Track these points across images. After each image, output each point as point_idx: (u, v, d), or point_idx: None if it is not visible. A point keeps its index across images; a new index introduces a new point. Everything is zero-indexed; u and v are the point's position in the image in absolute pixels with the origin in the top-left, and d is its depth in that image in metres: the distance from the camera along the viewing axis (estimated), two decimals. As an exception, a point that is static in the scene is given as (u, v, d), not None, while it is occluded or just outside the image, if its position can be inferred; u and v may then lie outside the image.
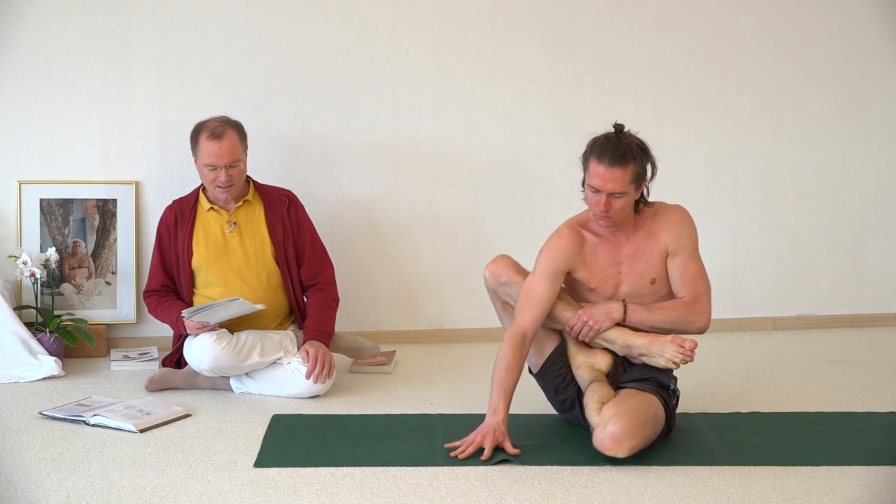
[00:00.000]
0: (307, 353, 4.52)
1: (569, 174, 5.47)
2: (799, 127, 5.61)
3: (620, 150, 3.82)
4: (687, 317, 3.96)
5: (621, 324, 3.95)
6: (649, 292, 4.01)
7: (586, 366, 4.01)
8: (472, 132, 5.41)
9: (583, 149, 3.94)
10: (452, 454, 3.82)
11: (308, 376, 4.49)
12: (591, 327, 3.94)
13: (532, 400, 4.42)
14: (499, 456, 3.80)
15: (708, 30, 5.49)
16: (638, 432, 3.76)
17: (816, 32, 5.56)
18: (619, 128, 3.90)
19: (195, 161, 4.67)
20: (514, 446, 3.82)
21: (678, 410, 4.15)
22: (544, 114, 5.44)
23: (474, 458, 3.80)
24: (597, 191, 3.86)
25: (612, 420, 3.75)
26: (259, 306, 4.55)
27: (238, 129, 4.66)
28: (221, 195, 4.66)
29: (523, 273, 4.04)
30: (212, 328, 4.51)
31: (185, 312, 4.47)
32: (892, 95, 5.64)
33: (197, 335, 4.52)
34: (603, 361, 4.02)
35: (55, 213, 5.16)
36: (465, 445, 3.83)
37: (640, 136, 3.92)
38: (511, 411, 4.12)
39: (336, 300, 4.80)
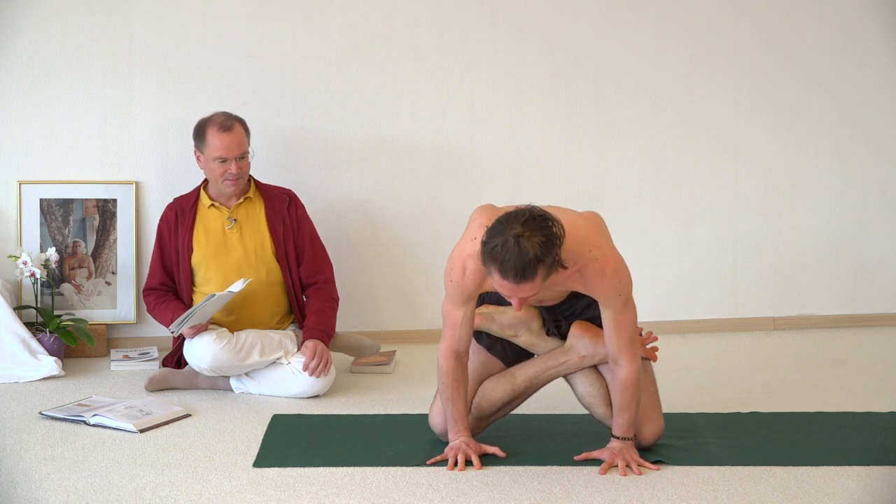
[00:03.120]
0: (307, 347, 4.53)
1: (569, 174, 5.50)
2: (799, 127, 5.61)
3: (523, 264, 3.35)
4: (637, 384, 3.78)
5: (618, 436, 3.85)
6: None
7: (524, 334, 3.99)
8: (472, 132, 5.41)
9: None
10: (449, 468, 3.78)
11: (305, 368, 4.50)
12: (630, 463, 3.80)
13: (532, 400, 4.41)
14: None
15: (708, 30, 5.49)
16: (658, 408, 3.89)
17: (817, 32, 5.55)
18: (518, 234, 3.36)
19: (199, 157, 4.69)
20: (503, 449, 3.84)
21: (680, 409, 4.16)
22: (544, 114, 5.44)
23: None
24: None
25: (646, 421, 3.86)
26: (238, 285, 4.50)
27: (242, 122, 4.71)
28: (230, 188, 4.67)
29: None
30: (204, 327, 4.52)
31: (171, 327, 4.48)
32: (892, 96, 5.64)
33: (192, 337, 4.53)
34: (535, 322, 3.98)
35: (55, 213, 5.16)
36: (453, 462, 3.78)
37: (538, 217, 3.41)
38: (511, 411, 4.12)
39: (335, 299, 4.80)
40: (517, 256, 3.36)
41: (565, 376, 4.00)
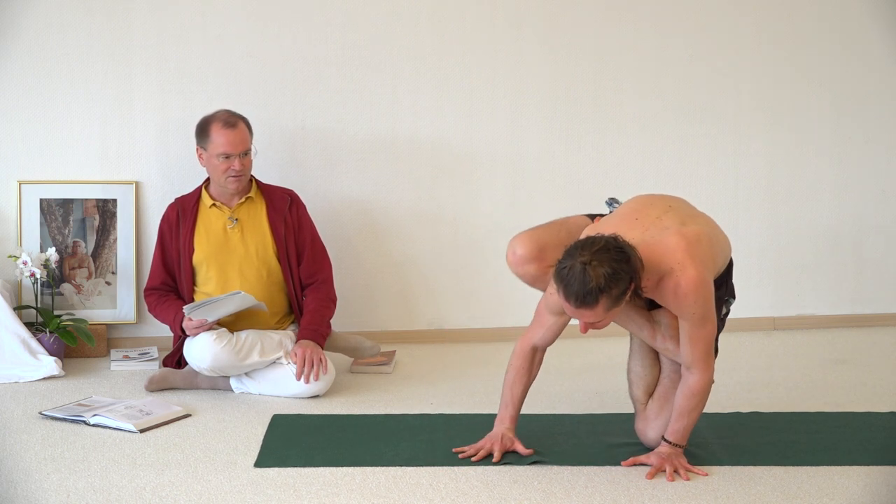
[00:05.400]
0: (296, 354, 4.53)
1: (569, 175, 5.50)
2: (799, 127, 5.61)
3: (584, 291, 3.42)
4: (704, 394, 3.77)
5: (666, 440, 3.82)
6: None
7: None
8: (472, 132, 5.41)
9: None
10: (462, 456, 3.82)
11: (298, 377, 4.50)
12: (678, 468, 3.75)
13: (532, 400, 4.42)
14: (524, 459, 3.81)
15: (708, 30, 5.49)
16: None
17: (816, 32, 5.56)
18: (586, 261, 3.42)
19: (201, 155, 4.69)
20: (526, 447, 3.85)
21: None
22: (544, 114, 5.44)
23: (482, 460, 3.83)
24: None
25: (658, 424, 3.87)
26: (261, 304, 4.56)
27: (246, 120, 4.72)
28: (233, 185, 4.67)
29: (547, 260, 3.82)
30: (210, 326, 4.52)
31: (186, 308, 4.48)
32: (892, 95, 5.64)
33: (195, 335, 4.53)
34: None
35: (55, 213, 5.16)
36: (475, 450, 3.84)
37: (613, 249, 3.46)
38: (521, 408, 4.12)
39: (332, 299, 4.79)
40: (580, 283, 3.42)
41: (630, 343, 4.01)
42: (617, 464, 3.78)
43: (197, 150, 4.72)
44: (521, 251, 3.86)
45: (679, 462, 3.74)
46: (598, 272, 3.41)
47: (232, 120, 4.65)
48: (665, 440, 3.79)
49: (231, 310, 4.52)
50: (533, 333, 3.87)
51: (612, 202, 4.06)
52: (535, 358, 3.89)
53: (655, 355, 3.97)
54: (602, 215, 3.96)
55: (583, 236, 3.64)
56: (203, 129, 4.67)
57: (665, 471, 3.71)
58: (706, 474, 3.72)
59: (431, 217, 5.43)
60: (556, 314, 3.79)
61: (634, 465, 3.78)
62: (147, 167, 5.23)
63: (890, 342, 5.44)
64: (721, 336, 5.51)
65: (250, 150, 4.69)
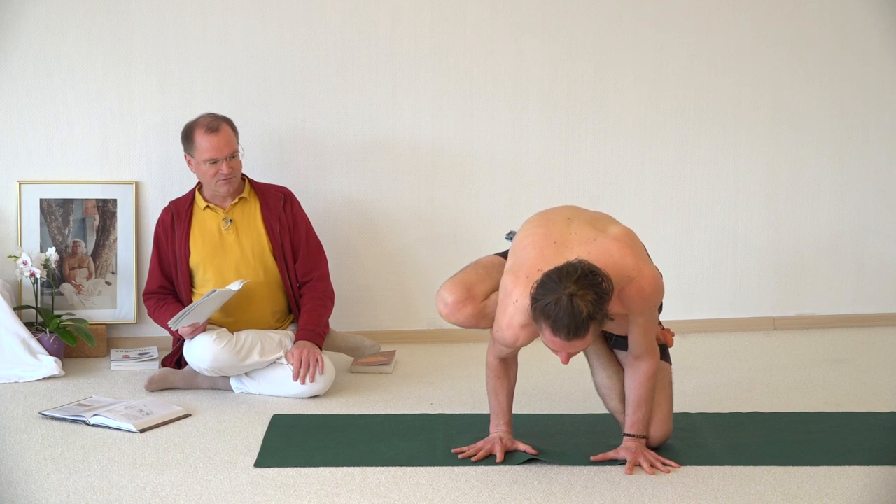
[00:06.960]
0: (293, 355, 4.53)
1: (569, 174, 5.50)
2: (799, 127, 5.61)
3: (576, 323, 3.36)
4: (653, 378, 3.80)
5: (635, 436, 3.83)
6: None
7: None
8: (472, 132, 5.41)
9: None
10: (462, 456, 3.83)
11: (295, 379, 4.50)
12: (654, 462, 3.78)
13: (532, 400, 4.42)
14: (522, 457, 3.81)
15: (708, 30, 5.49)
16: (669, 419, 3.88)
17: (816, 32, 5.56)
18: (572, 293, 3.35)
19: (190, 161, 4.69)
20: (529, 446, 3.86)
21: (680, 409, 4.16)
22: (544, 114, 5.44)
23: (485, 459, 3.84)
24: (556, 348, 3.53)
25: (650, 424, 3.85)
26: (237, 284, 4.52)
27: (230, 122, 4.70)
28: (223, 188, 4.66)
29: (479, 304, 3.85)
30: (202, 327, 4.52)
31: (170, 323, 4.48)
32: (892, 95, 5.64)
33: (192, 338, 4.53)
34: None
35: (55, 213, 5.16)
36: (475, 451, 3.84)
37: (589, 273, 3.40)
38: (512, 411, 4.12)
39: (330, 297, 4.79)
40: (570, 315, 3.36)
41: (588, 360, 3.99)
42: (616, 463, 3.78)
43: (185, 156, 4.72)
44: (452, 297, 3.84)
45: (650, 455, 3.77)
46: (586, 300, 3.36)
47: (214, 124, 4.63)
48: (628, 434, 3.81)
49: (215, 307, 4.52)
50: (496, 353, 3.84)
51: (511, 235, 4.04)
52: (508, 365, 3.88)
53: (616, 361, 3.95)
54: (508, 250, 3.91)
55: (509, 273, 3.61)
56: (188, 136, 4.67)
57: (640, 465, 3.74)
58: (678, 466, 3.75)
59: (431, 217, 5.43)
60: (511, 346, 3.75)
61: (605, 459, 3.79)
62: (147, 167, 5.23)
63: (890, 342, 5.44)
64: (721, 336, 5.56)
65: (237, 151, 4.67)
